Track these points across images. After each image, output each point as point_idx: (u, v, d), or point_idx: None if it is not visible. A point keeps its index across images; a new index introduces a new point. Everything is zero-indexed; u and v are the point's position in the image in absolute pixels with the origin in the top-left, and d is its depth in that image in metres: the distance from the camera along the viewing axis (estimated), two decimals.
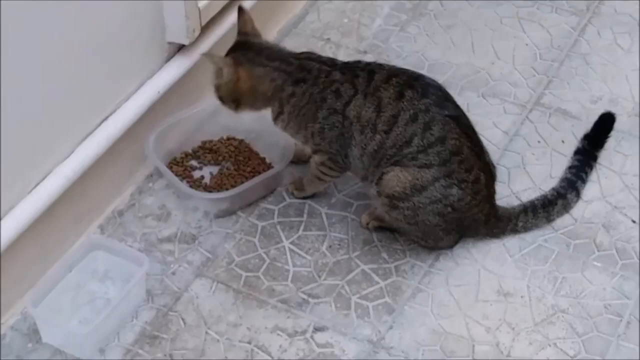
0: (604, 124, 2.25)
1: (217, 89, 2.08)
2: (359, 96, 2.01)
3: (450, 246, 2.12)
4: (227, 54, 2.07)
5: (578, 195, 2.18)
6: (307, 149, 2.18)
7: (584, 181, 2.20)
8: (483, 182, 2.05)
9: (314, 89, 2.04)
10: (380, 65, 2.10)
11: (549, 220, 2.15)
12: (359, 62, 2.11)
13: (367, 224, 2.17)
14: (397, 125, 1.99)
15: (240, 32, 2.11)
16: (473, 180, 2.02)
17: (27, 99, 1.89)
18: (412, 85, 2.00)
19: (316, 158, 2.12)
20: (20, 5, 1.77)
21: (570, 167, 2.22)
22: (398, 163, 2.01)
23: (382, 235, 2.14)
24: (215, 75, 2.07)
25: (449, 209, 2.03)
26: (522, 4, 2.66)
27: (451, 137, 1.99)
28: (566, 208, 2.17)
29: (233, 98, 2.08)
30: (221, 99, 2.09)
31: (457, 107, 2.06)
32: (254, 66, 2.05)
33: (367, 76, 2.02)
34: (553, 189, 2.18)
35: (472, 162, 2.02)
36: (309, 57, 2.10)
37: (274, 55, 2.08)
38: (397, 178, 2.00)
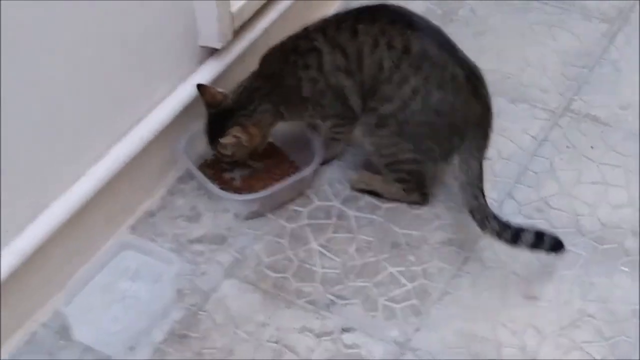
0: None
1: (233, 156, 2.19)
2: (325, 55, 2.10)
3: (445, 160, 2.14)
4: (221, 126, 2.15)
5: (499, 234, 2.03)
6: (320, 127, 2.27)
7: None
8: (462, 78, 2.05)
9: (288, 81, 2.14)
10: (325, 19, 2.17)
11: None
12: (306, 29, 2.16)
13: (354, 185, 2.25)
14: (364, 59, 2.06)
15: (212, 105, 2.17)
16: (450, 78, 2.04)
17: (63, 102, 1.92)
18: (360, 19, 2.08)
19: (327, 124, 2.22)
20: (57, 9, 1.80)
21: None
22: (380, 94, 2.08)
23: (409, 238, 2.15)
24: (234, 150, 2.16)
25: (434, 115, 2.05)
26: (552, 11, 2.67)
27: (414, 43, 2.04)
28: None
29: (250, 153, 2.20)
30: (236, 162, 2.22)
31: (411, 13, 2.11)
32: (251, 118, 2.15)
33: (321, 36, 2.10)
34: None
35: (444, 59, 2.05)
36: (267, 60, 2.18)
37: (248, 95, 2.16)
38: (381, 98, 2.09)
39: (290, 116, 2.22)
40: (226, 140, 2.13)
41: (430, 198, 2.23)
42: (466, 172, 2.07)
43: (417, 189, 2.20)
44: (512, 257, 2.09)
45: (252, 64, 2.22)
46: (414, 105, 2.05)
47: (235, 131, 2.12)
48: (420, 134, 2.10)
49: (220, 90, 2.17)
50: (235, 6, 2.22)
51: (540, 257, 2.08)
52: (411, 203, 2.22)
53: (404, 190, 2.20)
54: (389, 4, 2.14)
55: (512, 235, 2.00)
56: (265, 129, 2.19)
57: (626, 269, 2.08)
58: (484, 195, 2.05)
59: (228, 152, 2.16)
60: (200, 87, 2.16)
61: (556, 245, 2.01)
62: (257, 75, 2.18)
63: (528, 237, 2.00)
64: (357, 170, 2.29)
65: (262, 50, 2.21)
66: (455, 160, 2.11)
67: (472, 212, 2.05)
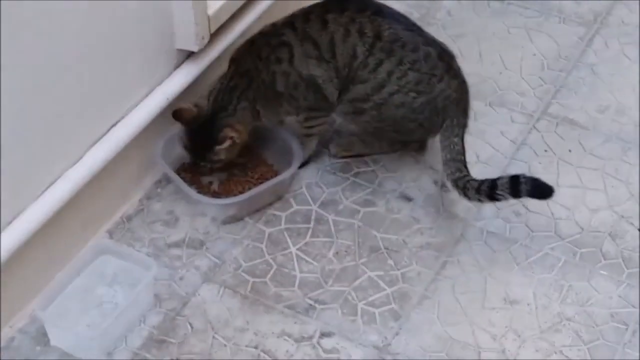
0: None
1: (227, 157, 2.18)
2: (296, 48, 2.14)
3: (425, 139, 2.25)
4: (206, 136, 2.15)
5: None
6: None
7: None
8: (435, 56, 2.13)
9: (263, 76, 2.17)
10: (292, 14, 2.20)
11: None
12: (274, 25, 2.20)
13: (337, 152, 2.29)
14: (337, 47, 2.12)
15: (190, 122, 2.16)
16: (424, 58, 2.12)
17: (37, 104, 1.90)
18: (329, 10, 2.15)
19: (301, 118, 2.24)
20: (32, 11, 1.78)
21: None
22: (356, 81, 2.14)
23: (388, 242, 2.15)
24: (224, 154, 2.16)
25: (412, 94, 2.12)
26: (530, 14, 2.68)
27: (384, 29, 2.12)
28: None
29: (239, 150, 2.20)
30: (228, 162, 2.21)
31: (377, 2, 2.20)
32: (234, 116, 2.16)
33: (290, 30, 2.15)
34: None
35: (415, 41, 2.14)
36: (239, 58, 2.20)
37: (225, 96, 2.17)
38: (361, 85, 2.14)
39: (266, 114, 2.22)
40: (224, 145, 2.13)
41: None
42: (449, 150, 2.14)
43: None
44: (490, 260, 2.11)
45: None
46: (390, 87, 2.12)
47: (227, 132, 2.13)
48: (400, 116, 2.16)
49: (192, 104, 2.17)
50: (212, 9, 2.21)
51: (519, 261, 2.10)
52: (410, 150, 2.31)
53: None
54: None
55: (490, 186, 2.06)
56: (246, 127, 2.19)
57: (605, 273, 2.09)
58: (466, 168, 2.12)
59: (222, 156, 2.16)
60: (175, 113, 2.15)
61: (538, 188, 2.06)
62: (231, 75, 2.19)
63: (504, 182, 2.05)
64: (335, 173, 2.29)
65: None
66: (438, 138, 2.18)
67: (455, 183, 2.11)
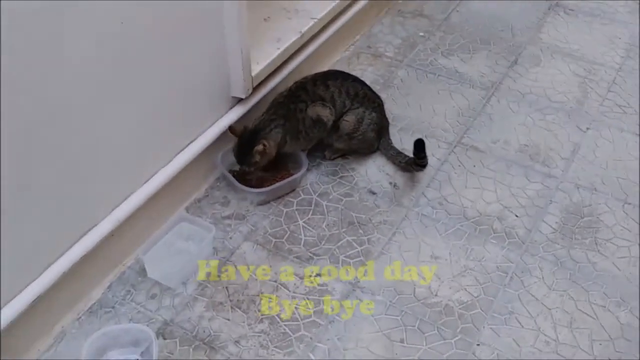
0: (420, 145, 2.19)
1: (260, 162, 2.13)
2: (308, 102, 2.17)
3: (378, 146, 2.31)
4: (248, 147, 2.12)
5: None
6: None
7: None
8: (381, 103, 2.31)
9: (293, 120, 2.16)
10: (303, 82, 2.22)
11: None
12: (290, 89, 2.21)
13: (330, 156, 2.31)
14: (336, 100, 2.19)
15: (238, 134, 2.13)
16: (378, 105, 2.29)
17: (148, 127, 1.91)
18: (328, 77, 2.23)
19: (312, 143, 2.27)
20: (122, 67, 1.79)
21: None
22: (343, 115, 2.22)
23: (360, 219, 2.14)
24: (260, 157, 2.11)
25: (375, 124, 2.24)
26: (452, 82, 2.67)
27: (358, 90, 2.24)
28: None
29: (269, 159, 2.16)
30: (259, 167, 2.15)
31: (352, 75, 2.29)
32: (268, 136, 2.12)
33: (303, 91, 2.18)
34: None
35: (373, 96, 2.28)
36: (277, 105, 2.18)
37: (265, 123, 2.14)
38: (347, 122, 2.21)
39: (290, 144, 2.19)
40: (258, 147, 2.09)
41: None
42: (388, 150, 2.29)
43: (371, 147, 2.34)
44: (423, 232, 2.10)
45: (264, 108, 2.23)
46: (365, 121, 2.22)
47: (262, 141, 2.10)
48: (369, 137, 2.27)
49: (242, 126, 2.17)
50: (254, 71, 2.22)
51: (441, 233, 2.10)
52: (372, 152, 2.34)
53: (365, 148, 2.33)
54: (341, 70, 2.34)
55: (416, 157, 2.18)
56: (276, 145, 2.16)
57: (494, 241, 2.09)
58: (399, 153, 2.27)
59: (257, 159, 2.11)
60: (230, 128, 2.15)
61: (420, 146, 2.16)
62: (272, 112, 2.16)
63: (415, 156, 2.19)
64: (327, 176, 2.28)
65: (272, 98, 2.24)
66: (381, 148, 2.32)
67: (399, 161, 2.26)
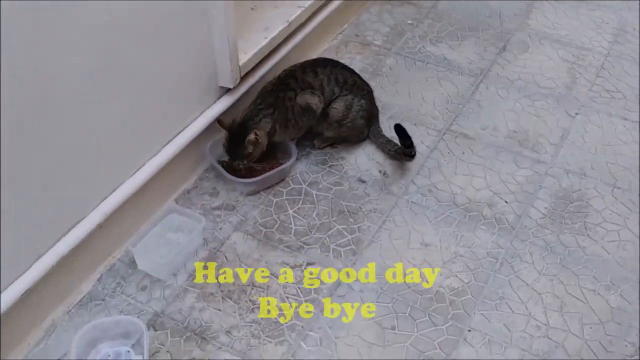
0: (400, 129, 2.22)
1: (253, 153, 2.11)
2: (297, 90, 2.16)
3: (368, 134, 2.31)
4: (238, 140, 2.09)
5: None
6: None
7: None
8: (370, 90, 2.30)
9: (282, 109, 2.14)
10: (292, 70, 2.21)
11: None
12: (279, 77, 2.20)
13: (320, 145, 2.30)
14: (324, 88, 2.18)
15: (227, 128, 2.11)
16: (367, 92, 2.28)
17: (139, 117, 1.90)
18: (317, 64, 2.21)
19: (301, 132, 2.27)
20: (108, 58, 1.78)
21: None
22: (332, 101, 2.20)
23: (350, 207, 2.14)
24: (253, 148, 2.09)
25: (364, 112, 2.23)
26: (440, 69, 2.67)
27: (347, 77, 2.22)
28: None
29: (262, 150, 2.14)
30: (253, 158, 2.13)
31: (341, 62, 2.27)
32: (258, 125, 2.11)
33: (293, 79, 2.17)
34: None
35: (362, 83, 2.27)
36: (265, 93, 2.17)
37: (253, 113, 2.13)
38: (335, 109, 2.20)
39: (280, 133, 2.17)
40: (250, 137, 2.06)
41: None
42: (378, 138, 2.29)
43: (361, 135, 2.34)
44: (413, 219, 2.11)
45: (252, 97, 2.22)
46: (354, 108, 2.22)
47: (254, 131, 2.07)
48: (359, 124, 2.26)
49: (231, 119, 2.15)
50: (242, 61, 2.21)
51: (431, 220, 2.10)
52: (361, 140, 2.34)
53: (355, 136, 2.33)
54: (331, 58, 2.32)
55: (403, 145, 2.20)
56: (266, 135, 2.13)
57: (484, 228, 2.09)
58: (389, 141, 2.26)
59: (250, 149, 2.09)
60: (218, 121, 2.13)
61: (402, 132, 2.19)
62: (260, 102, 2.15)
63: (402, 145, 2.20)
64: (317, 165, 2.28)
65: (259, 88, 2.22)
66: (370, 135, 2.32)
67: (389, 150, 2.26)
